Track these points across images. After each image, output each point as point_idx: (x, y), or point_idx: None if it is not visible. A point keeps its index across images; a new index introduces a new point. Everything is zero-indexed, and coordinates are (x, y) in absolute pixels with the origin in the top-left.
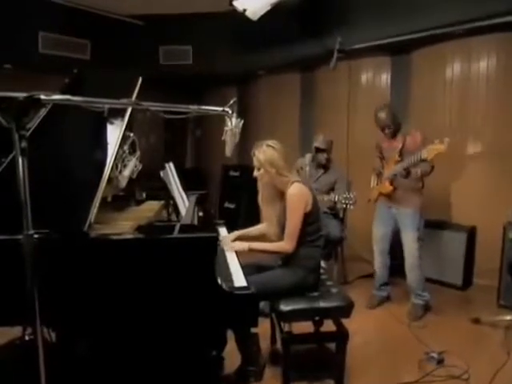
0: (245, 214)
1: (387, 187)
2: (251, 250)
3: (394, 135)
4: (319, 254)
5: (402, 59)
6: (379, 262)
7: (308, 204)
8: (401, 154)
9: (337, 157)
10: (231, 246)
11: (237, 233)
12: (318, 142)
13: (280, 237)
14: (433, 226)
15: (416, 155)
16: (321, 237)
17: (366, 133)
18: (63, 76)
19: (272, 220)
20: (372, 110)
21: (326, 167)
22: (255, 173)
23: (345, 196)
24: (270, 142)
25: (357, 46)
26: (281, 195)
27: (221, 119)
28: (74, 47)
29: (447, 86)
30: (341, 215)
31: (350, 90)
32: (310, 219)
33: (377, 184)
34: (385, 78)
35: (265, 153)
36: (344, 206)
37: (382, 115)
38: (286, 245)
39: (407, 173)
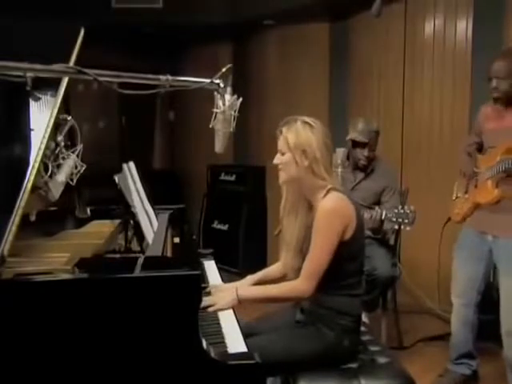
0: (244, 241)
1: (491, 192)
2: (243, 302)
3: (510, 102)
4: (360, 305)
5: None
6: (460, 320)
7: (348, 228)
8: None
9: (385, 151)
10: (211, 302)
11: (254, 277)
12: (356, 131)
13: (297, 273)
14: None
15: None
16: (362, 279)
17: (434, 112)
18: None
19: (291, 243)
20: (443, 74)
21: (368, 169)
22: (276, 159)
23: (397, 211)
24: (308, 119)
25: None
26: (307, 206)
27: (207, 96)
28: None
29: None
30: (391, 241)
31: (407, 46)
32: (350, 252)
33: (465, 192)
34: (463, 25)
35: (298, 133)
36: (396, 226)
37: (500, 66)
38: (302, 285)
39: None
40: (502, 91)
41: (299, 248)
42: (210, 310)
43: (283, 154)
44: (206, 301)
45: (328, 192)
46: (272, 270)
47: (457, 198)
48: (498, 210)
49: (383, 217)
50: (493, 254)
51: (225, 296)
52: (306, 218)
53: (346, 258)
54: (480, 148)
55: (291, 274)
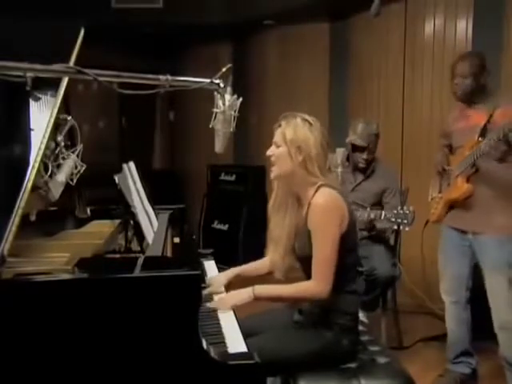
0: (244, 241)
1: (461, 186)
2: (259, 299)
3: (474, 100)
4: (358, 302)
5: None
6: (454, 318)
7: (344, 220)
8: (483, 133)
9: (385, 151)
10: (223, 301)
11: (234, 270)
12: (356, 134)
13: (286, 272)
14: None
15: None
16: (358, 275)
17: (434, 112)
18: None
19: (280, 240)
20: (443, 74)
21: (368, 170)
22: (270, 151)
23: (396, 212)
24: (308, 117)
25: None
26: (297, 203)
27: (207, 96)
28: None
29: None
30: (391, 241)
31: (407, 46)
32: (347, 245)
33: (439, 192)
34: (463, 25)
35: (296, 129)
36: (396, 226)
37: (464, 66)
38: (317, 286)
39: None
40: (463, 88)
41: (290, 246)
42: (226, 307)
43: (278, 147)
44: (222, 298)
45: (318, 189)
46: (259, 264)
47: (432, 198)
48: (474, 207)
49: (382, 217)
50: (474, 250)
51: (240, 293)
52: (296, 216)
53: (343, 251)
54: (450, 150)
55: (278, 273)
